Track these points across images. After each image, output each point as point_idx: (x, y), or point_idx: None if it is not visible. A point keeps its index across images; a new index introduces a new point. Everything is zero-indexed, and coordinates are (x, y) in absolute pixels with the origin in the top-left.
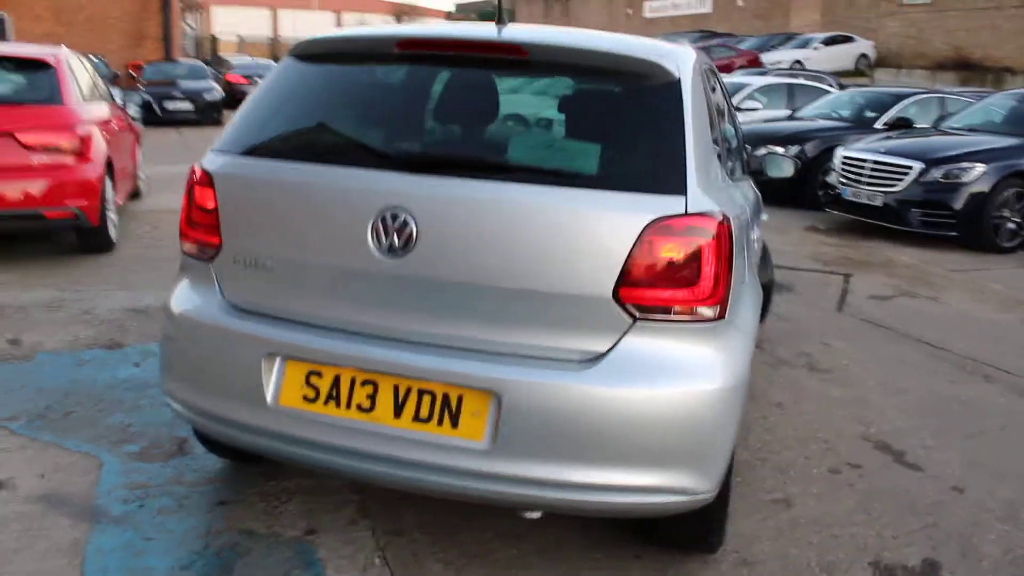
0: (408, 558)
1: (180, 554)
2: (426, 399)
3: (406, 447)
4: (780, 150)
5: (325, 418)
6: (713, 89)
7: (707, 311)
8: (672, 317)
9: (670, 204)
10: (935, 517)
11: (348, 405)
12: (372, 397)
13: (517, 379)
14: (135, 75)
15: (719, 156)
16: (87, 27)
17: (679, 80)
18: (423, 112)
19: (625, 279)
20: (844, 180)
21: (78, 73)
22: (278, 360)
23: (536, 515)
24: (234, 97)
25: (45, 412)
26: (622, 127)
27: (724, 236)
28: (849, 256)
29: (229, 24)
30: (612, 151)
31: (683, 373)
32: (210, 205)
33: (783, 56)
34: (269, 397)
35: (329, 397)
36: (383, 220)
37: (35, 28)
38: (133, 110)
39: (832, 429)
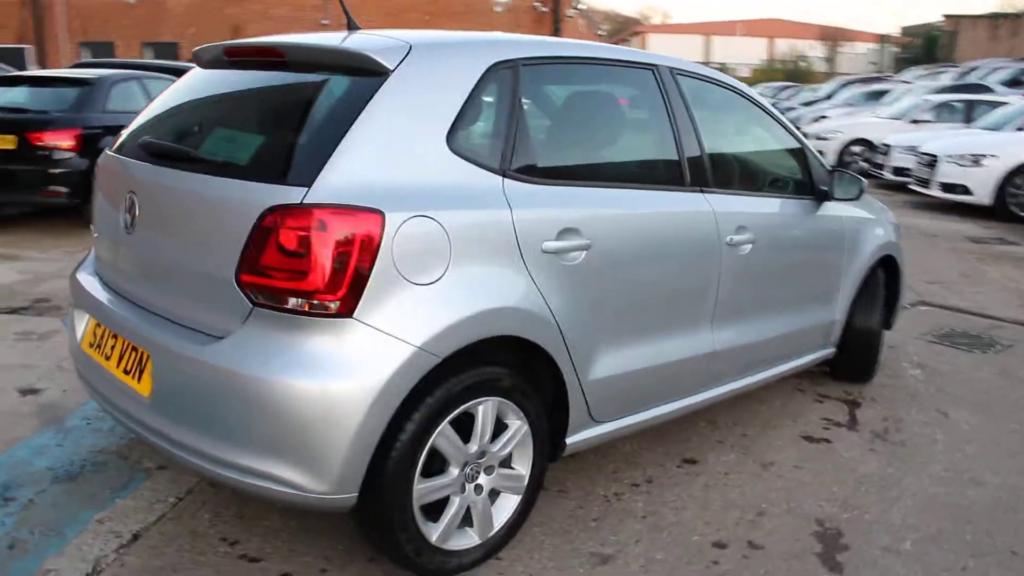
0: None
1: None
2: (132, 355)
3: (120, 394)
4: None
5: (95, 363)
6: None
7: (327, 305)
8: (288, 307)
9: (288, 194)
10: None
11: (108, 356)
12: (113, 348)
13: (160, 343)
14: None
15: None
16: None
17: (389, 73)
18: (195, 110)
19: (244, 265)
20: None
21: None
22: (82, 310)
23: None
24: None
25: None
26: (297, 120)
27: (356, 231)
28: None
29: (666, 51)
30: (272, 143)
31: (293, 364)
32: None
33: None
34: (77, 339)
35: (99, 345)
36: (127, 200)
37: None
38: None
39: None
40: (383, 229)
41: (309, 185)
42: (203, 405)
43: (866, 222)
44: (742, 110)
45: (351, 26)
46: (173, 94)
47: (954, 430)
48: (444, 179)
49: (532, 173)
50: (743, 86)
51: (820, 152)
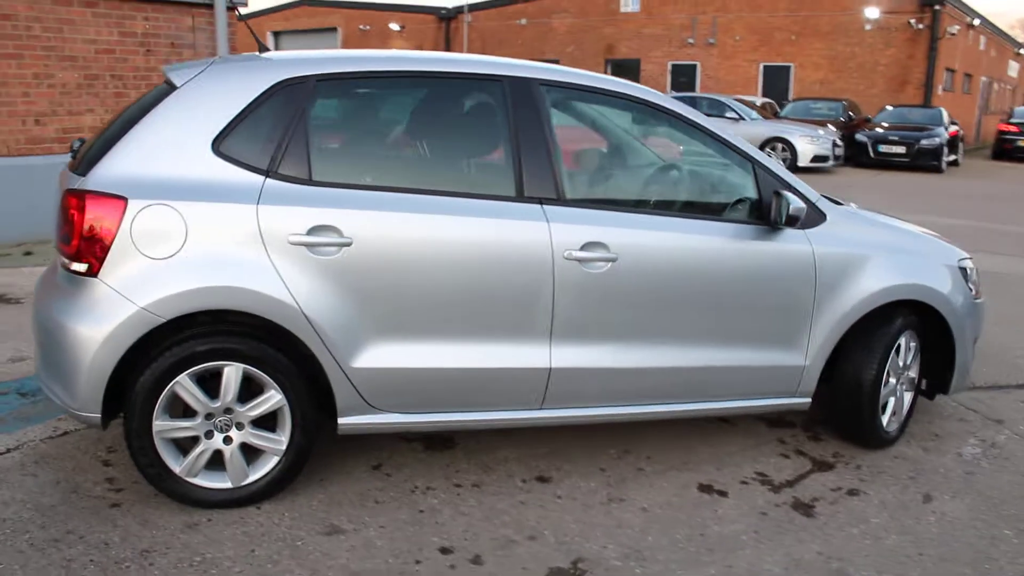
0: None
1: None
2: None
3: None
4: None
5: None
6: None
7: (80, 267)
8: (69, 268)
9: (74, 181)
10: None
11: None
12: None
13: None
14: (870, 118)
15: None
16: (857, 73)
17: (176, 89)
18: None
19: (57, 234)
20: None
21: None
22: None
23: None
24: (1002, 147)
25: None
26: (122, 125)
27: (103, 212)
28: None
29: None
30: (101, 142)
31: (64, 311)
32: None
33: None
34: None
35: None
36: None
37: (812, 75)
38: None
39: None
40: (124, 212)
41: (85, 175)
42: (39, 339)
43: (863, 258)
44: (652, 127)
45: (261, 49)
46: None
47: (895, 549)
48: (200, 176)
49: (300, 175)
50: (663, 100)
51: None
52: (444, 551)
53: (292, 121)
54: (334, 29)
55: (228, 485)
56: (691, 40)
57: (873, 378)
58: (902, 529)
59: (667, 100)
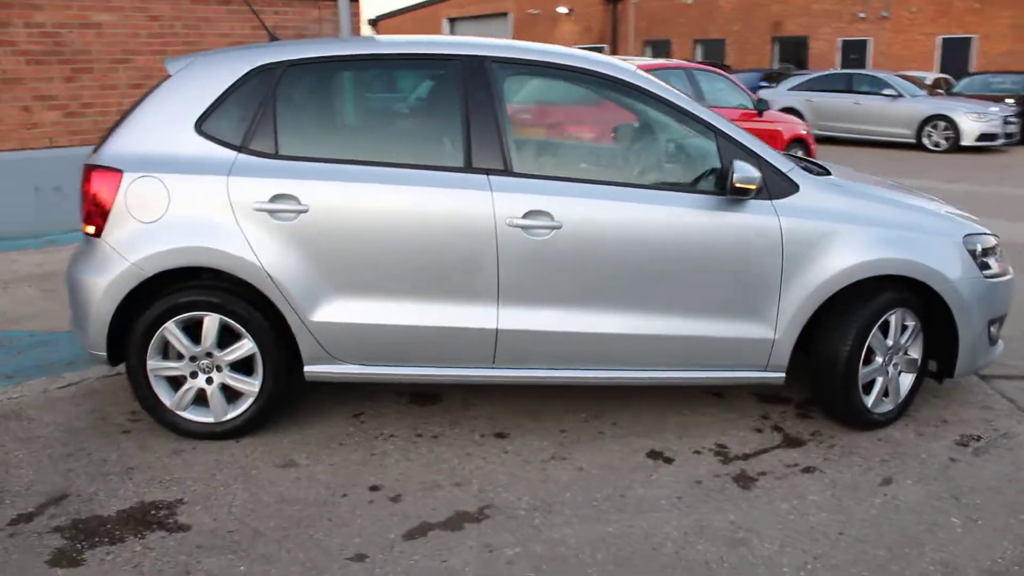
0: None
1: None
2: None
3: None
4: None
5: None
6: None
7: (89, 229)
8: (84, 228)
9: (90, 158)
10: None
11: None
12: None
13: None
14: None
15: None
16: None
17: (171, 76)
18: None
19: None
20: None
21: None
22: None
23: None
24: None
25: None
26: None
27: (105, 182)
28: None
29: None
30: (116, 124)
31: (82, 266)
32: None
33: None
34: None
35: None
36: None
37: (998, 47)
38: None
39: None
40: (120, 182)
41: (96, 151)
42: (68, 292)
43: (838, 230)
44: (612, 99)
45: (271, 38)
46: None
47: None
48: (183, 152)
49: (268, 150)
50: (622, 73)
51: None
52: (373, 488)
53: (264, 102)
54: (505, 14)
55: (211, 420)
56: (863, 15)
57: (847, 355)
58: (837, 508)
59: (627, 73)
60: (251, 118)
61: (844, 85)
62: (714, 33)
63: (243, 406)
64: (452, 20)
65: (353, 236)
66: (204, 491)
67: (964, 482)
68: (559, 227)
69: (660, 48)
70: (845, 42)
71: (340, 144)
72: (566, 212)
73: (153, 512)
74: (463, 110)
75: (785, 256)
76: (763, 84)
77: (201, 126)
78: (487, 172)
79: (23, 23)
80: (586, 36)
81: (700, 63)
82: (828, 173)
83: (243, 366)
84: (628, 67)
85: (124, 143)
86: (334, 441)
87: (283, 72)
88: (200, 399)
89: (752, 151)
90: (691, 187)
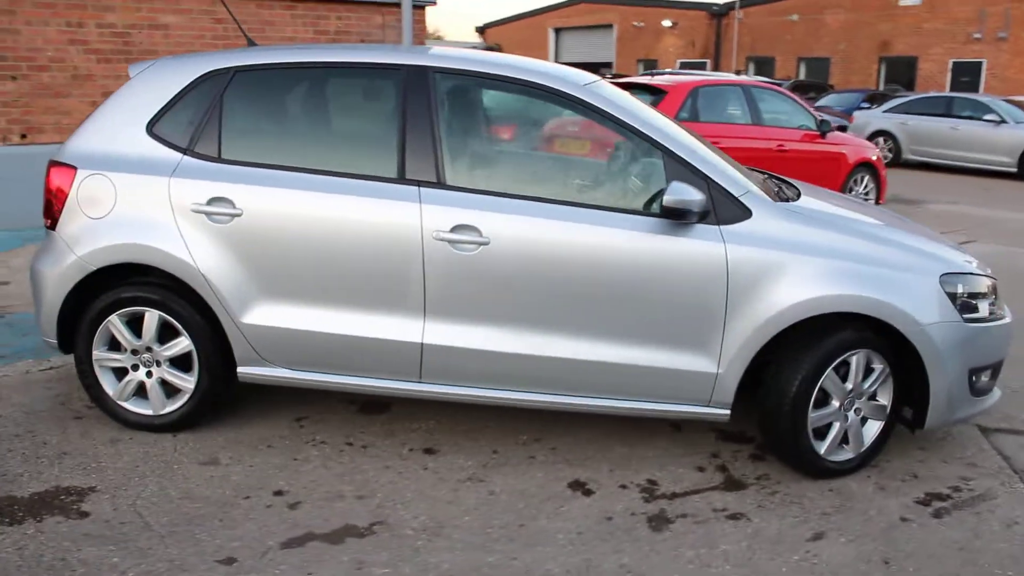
0: None
1: None
2: None
3: None
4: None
5: None
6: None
7: (47, 221)
8: (46, 223)
9: (54, 154)
10: None
11: None
12: None
13: None
14: None
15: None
16: None
17: (130, 79)
18: None
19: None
20: None
21: None
22: None
23: None
24: None
25: None
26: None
27: (60, 178)
28: None
29: None
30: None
31: (39, 258)
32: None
33: None
34: None
35: None
36: None
37: None
38: None
39: None
40: (73, 179)
41: (65, 147)
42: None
43: (790, 262)
44: (560, 114)
45: (249, 42)
46: None
47: None
48: (134, 152)
49: (211, 153)
50: (570, 88)
51: None
52: (277, 493)
53: (211, 107)
54: (610, 26)
55: (150, 412)
56: (978, 35)
57: (794, 396)
58: (745, 562)
59: (574, 87)
60: (198, 122)
61: (943, 109)
62: (819, 51)
63: (179, 401)
64: (557, 30)
65: (283, 241)
66: (119, 481)
67: (904, 546)
68: (487, 243)
69: (763, 65)
70: (956, 63)
71: (280, 150)
72: (495, 228)
73: (62, 498)
74: (400, 120)
75: (731, 287)
76: (863, 105)
77: (152, 128)
78: (419, 184)
79: (95, 23)
80: (689, 50)
81: (763, 81)
82: (798, 196)
83: (181, 362)
84: (578, 80)
85: (83, 141)
86: (264, 443)
87: (232, 77)
88: (142, 391)
89: (700, 172)
90: (633, 208)
